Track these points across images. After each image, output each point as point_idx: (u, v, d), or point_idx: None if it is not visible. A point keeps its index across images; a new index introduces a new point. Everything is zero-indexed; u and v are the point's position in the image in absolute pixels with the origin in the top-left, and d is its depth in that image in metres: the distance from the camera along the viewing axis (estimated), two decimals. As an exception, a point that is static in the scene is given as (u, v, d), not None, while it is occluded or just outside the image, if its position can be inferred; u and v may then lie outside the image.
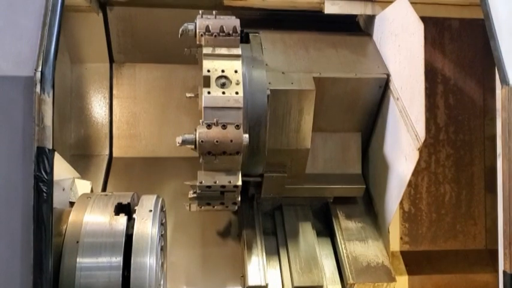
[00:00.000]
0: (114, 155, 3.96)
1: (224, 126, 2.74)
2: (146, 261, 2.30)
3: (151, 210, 2.47)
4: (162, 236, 2.51)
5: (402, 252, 3.48)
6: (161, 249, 2.47)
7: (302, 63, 3.27)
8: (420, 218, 3.55)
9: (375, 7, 3.48)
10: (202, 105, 2.77)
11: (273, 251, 3.37)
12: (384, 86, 3.25)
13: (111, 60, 4.03)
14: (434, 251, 3.52)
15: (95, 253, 2.32)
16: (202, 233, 3.54)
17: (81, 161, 3.87)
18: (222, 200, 2.98)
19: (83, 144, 3.98)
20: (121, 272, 2.28)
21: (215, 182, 2.85)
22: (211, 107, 2.76)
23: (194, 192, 2.95)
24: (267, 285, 3.12)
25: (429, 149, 3.58)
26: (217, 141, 2.70)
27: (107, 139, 4.03)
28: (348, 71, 3.25)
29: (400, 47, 3.09)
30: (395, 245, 3.46)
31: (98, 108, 4.04)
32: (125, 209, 2.47)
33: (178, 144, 2.78)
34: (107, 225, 2.40)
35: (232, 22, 2.91)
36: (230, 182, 2.86)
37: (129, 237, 2.36)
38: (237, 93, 2.79)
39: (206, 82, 2.83)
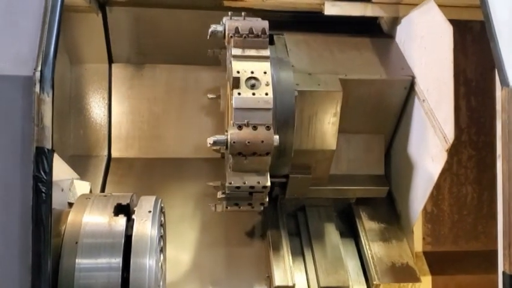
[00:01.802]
0: (135, 155, 3.97)
1: (255, 128, 2.76)
2: (146, 262, 2.30)
3: (150, 211, 2.47)
4: (162, 237, 2.52)
5: (425, 253, 3.50)
6: (161, 251, 2.47)
7: (327, 65, 3.28)
8: (442, 219, 3.57)
9: (375, 8, 3.49)
10: (233, 107, 2.78)
11: (297, 252, 3.39)
12: (408, 88, 3.28)
13: (110, 61, 4.03)
14: (457, 252, 3.54)
15: (94, 254, 2.31)
16: (226, 233, 3.56)
17: (80, 161, 3.86)
18: (250, 200, 2.99)
19: (82, 145, 3.98)
20: (120, 273, 2.27)
21: (244, 183, 2.87)
22: (241, 108, 2.77)
23: (223, 193, 2.96)
24: (294, 285, 3.14)
25: (451, 150, 3.57)
26: (248, 142, 2.71)
27: (106, 140, 4.03)
28: (373, 72, 3.27)
29: (427, 49, 3.12)
30: (417, 245, 3.48)
31: (96, 108, 4.03)
32: (124, 210, 2.47)
33: (209, 145, 2.80)
34: (106, 226, 2.39)
35: (261, 24, 2.92)
36: (259, 182, 2.87)
37: (128, 238, 2.35)
38: (266, 94, 2.80)
39: (236, 83, 2.84)
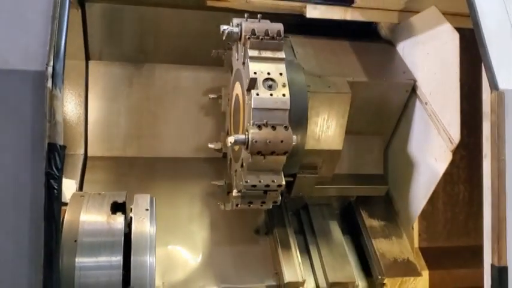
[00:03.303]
0: (135, 155, 3.94)
1: (273, 127, 2.82)
2: (146, 260, 2.34)
3: (147, 209, 2.52)
4: None
5: (421, 248, 3.67)
6: None
7: (334, 68, 3.40)
8: (437, 216, 3.77)
9: (354, 13, 3.60)
10: (252, 106, 2.83)
11: (302, 249, 3.48)
12: (410, 91, 3.44)
13: (87, 58, 3.94)
14: (450, 247, 3.73)
15: (94, 252, 2.32)
16: (231, 232, 3.60)
17: None
18: (264, 199, 3.05)
19: None
20: (121, 271, 2.29)
21: (260, 182, 2.92)
22: (259, 108, 2.83)
23: (239, 191, 3.01)
24: (304, 281, 3.22)
25: (446, 151, 3.77)
26: (269, 142, 2.77)
27: (82, 138, 3.93)
28: (378, 76, 3.42)
29: (429, 54, 3.28)
30: (414, 241, 3.64)
31: (73, 106, 3.94)
32: (120, 208, 2.50)
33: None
34: (105, 224, 2.41)
35: (276, 26, 2.98)
36: (274, 181, 2.94)
37: (125, 236, 2.38)
38: (284, 95, 2.87)
39: (252, 84, 2.89)
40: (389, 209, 3.72)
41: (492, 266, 2.50)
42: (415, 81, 3.41)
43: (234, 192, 3.03)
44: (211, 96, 3.86)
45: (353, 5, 3.50)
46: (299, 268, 3.26)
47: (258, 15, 3.05)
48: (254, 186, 2.93)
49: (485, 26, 2.63)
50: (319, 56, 3.47)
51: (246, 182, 2.91)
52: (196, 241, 3.51)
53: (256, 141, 2.76)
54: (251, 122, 2.81)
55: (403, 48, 3.59)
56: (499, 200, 2.50)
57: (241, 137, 2.81)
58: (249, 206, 3.15)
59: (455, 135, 2.98)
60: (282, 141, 2.80)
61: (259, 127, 2.80)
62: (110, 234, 2.37)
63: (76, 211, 2.40)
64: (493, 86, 2.52)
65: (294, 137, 2.83)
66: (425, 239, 3.71)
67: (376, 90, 3.43)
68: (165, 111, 4.03)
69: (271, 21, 3.07)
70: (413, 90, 3.43)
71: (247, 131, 2.81)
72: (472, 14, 2.65)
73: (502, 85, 2.50)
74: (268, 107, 2.84)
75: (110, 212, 2.44)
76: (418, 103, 3.39)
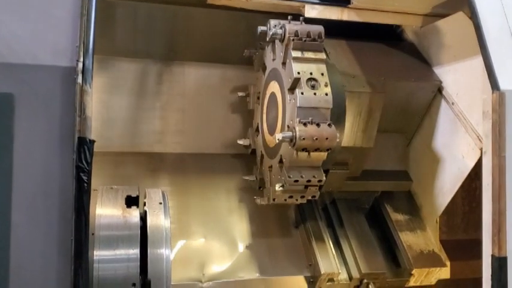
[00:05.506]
0: (164, 150, 4.02)
1: (318, 125, 2.96)
2: (163, 252, 2.45)
3: (161, 203, 2.63)
4: None
5: (441, 241, 3.86)
6: None
7: (366, 68, 3.55)
8: (455, 210, 3.98)
9: (351, 13, 3.69)
10: (297, 105, 2.95)
11: (333, 241, 3.63)
12: (436, 91, 3.62)
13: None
14: (468, 240, 3.95)
15: (112, 245, 2.42)
16: (264, 225, 3.73)
17: None
18: (304, 193, 3.19)
19: None
20: (139, 263, 2.39)
21: (302, 177, 3.06)
22: (304, 106, 2.96)
23: (281, 186, 3.13)
24: (339, 272, 3.38)
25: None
26: (316, 139, 2.91)
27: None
28: (406, 77, 3.59)
29: (456, 57, 3.46)
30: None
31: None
32: (133, 202, 2.60)
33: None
34: (121, 217, 2.51)
35: (317, 28, 3.12)
36: (315, 176, 3.08)
37: (141, 229, 2.49)
38: (326, 94, 3.00)
39: (295, 83, 3.02)
40: (412, 204, 3.90)
41: (492, 256, 2.64)
42: (441, 82, 3.59)
43: (277, 187, 3.15)
44: (240, 94, 3.96)
45: (349, 6, 3.59)
46: (334, 259, 3.42)
47: (300, 18, 3.19)
48: (296, 181, 3.06)
49: (487, 29, 2.75)
50: (349, 57, 3.63)
51: (289, 177, 3.04)
52: (233, 234, 3.63)
53: (303, 138, 2.89)
54: (296, 120, 2.94)
55: (428, 50, 3.77)
56: (499, 194, 2.65)
57: (288, 133, 2.93)
58: (285, 200, 3.29)
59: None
60: (327, 138, 2.93)
61: (305, 125, 2.93)
62: (127, 228, 2.48)
63: (91, 205, 2.41)
64: (495, 86, 2.64)
65: (338, 134, 2.97)
66: (445, 232, 3.91)
67: (403, 91, 3.60)
68: (193, 108, 4.12)
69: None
70: (438, 90, 3.61)
71: (293, 128, 2.93)
72: (473, 17, 2.78)
73: (503, 86, 2.62)
74: (313, 105, 2.97)
75: (125, 206, 2.54)
76: (443, 103, 3.57)
